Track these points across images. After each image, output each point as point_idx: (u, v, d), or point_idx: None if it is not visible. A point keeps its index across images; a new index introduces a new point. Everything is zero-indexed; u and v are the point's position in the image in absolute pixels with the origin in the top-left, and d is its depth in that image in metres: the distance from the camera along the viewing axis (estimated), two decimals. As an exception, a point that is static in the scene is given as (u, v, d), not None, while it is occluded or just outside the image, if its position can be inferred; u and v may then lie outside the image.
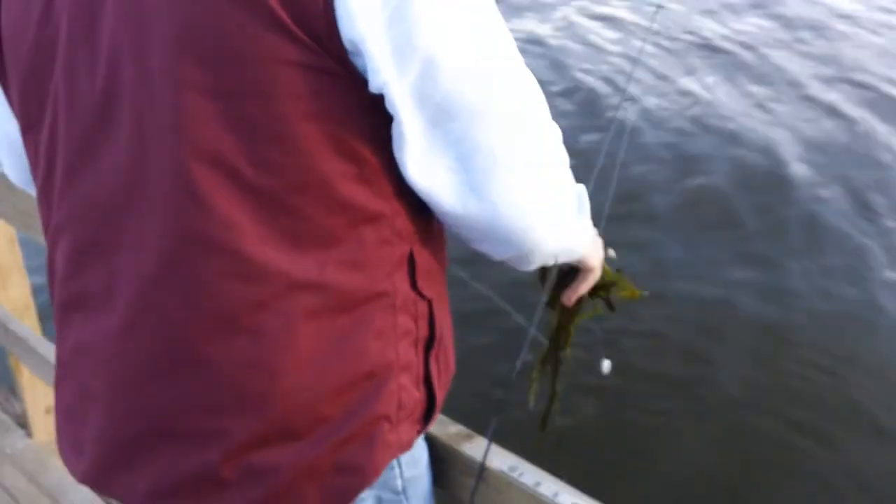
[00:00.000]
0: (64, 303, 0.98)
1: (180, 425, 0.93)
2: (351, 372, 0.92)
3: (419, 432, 1.02)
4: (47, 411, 2.52)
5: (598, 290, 1.23)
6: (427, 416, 1.02)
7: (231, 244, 0.85)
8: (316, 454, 0.93)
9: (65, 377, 1.02)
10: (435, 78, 0.81)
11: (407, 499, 1.05)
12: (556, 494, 1.05)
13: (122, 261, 0.91)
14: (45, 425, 2.52)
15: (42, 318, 2.49)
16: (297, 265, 0.87)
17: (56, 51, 0.88)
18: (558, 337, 1.25)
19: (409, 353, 0.97)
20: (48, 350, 2.10)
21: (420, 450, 1.09)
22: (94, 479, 1.01)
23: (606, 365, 1.30)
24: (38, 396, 2.50)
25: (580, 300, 1.23)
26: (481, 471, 1.09)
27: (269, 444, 0.92)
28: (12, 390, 2.60)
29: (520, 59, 0.88)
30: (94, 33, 0.85)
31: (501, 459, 1.10)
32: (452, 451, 1.13)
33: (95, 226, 0.92)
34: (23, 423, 2.54)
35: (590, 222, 1.08)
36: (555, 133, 0.93)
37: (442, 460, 1.14)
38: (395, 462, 1.01)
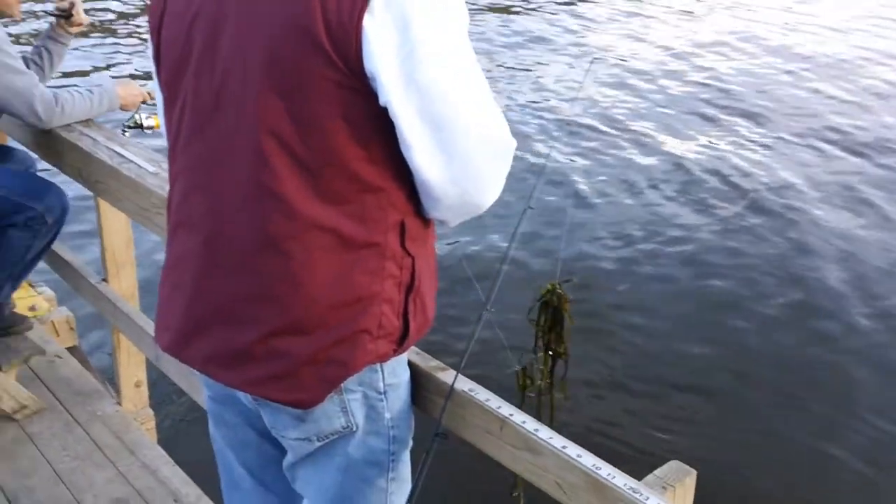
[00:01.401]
0: (174, 224, 1.45)
1: (231, 312, 1.36)
2: (347, 294, 1.33)
3: (395, 351, 1.40)
4: (136, 385, 3.01)
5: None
6: (401, 340, 1.40)
7: (280, 192, 1.29)
8: (316, 347, 1.33)
9: (166, 278, 1.48)
10: (429, 101, 1.23)
11: (386, 400, 1.45)
12: (499, 407, 1.43)
13: (211, 197, 1.36)
14: (132, 396, 3.00)
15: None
16: (319, 213, 1.29)
17: (190, 60, 1.36)
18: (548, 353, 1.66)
19: (392, 291, 1.36)
20: (147, 324, 2.59)
21: (402, 368, 1.48)
22: (172, 348, 1.45)
23: None
24: (130, 372, 3.00)
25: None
26: (451, 390, 1.47)
27: (287, 334, 1.33)
28: (110, 366, 3.11)
29: (486, 87, 1.30)
30: (215, 53, 1.32)
31: (463, 383, 1.48)
32: (429, 377, 1.52)
33: (200, 173, 1.38)
34: (114, 392, 3.04)
35: None
36: (509, 143, 1.34)
37: (421, 385, 1.53)
38: (378, 367, 1.41)
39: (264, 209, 1.30)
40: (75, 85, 2.70)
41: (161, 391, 3.22)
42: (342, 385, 1.38)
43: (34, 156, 2.97)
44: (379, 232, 1.33)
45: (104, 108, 2.72)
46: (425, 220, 1.41)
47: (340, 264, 1.31)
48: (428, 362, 1.55)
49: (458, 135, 1.26)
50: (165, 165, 2.31)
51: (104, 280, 2.82)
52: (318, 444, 1.45)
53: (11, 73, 2.51)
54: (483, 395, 1.47)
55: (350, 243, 1.31)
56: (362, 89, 1.23)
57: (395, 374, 1.46)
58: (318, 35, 1.19)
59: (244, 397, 1.48)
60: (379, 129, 1.26)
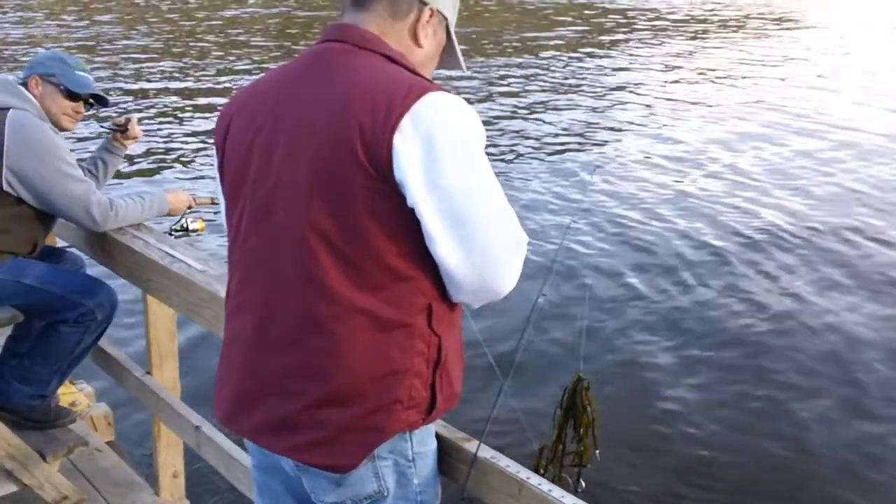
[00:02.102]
0: (230, 309, 1.65)
1: (278, 386, 1.54)
2: (383, 368, 1.51)
3: (423, 420, 1.57)
4: (174, 475, 3.14)
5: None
6: (429, 410, 1.56)
7: (324, 281, 1.48)
8: (356, 415, 1.51)
9: (222, 357, 1.66)
10: (451, 202, 1.44)
11: (415, 467, 1.60)
12: (518, 472, 1.59)
13: (264, 285, 1.56)
14: (169, 486, 3.13)
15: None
16: (358, 298, 1.48)
17: (250, 169, 1.58)
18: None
19: (420, 366, 1.54)
20: (189, 414, 2.76)
21: (430, 438, 1.64)
22: (226, 420, 1.62)
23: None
24: (169, 462, 3.14)
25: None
26: (474, 458, 1.63)
27: (329, 405, 1.51)
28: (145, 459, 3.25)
29: (499, 191, 1.50)
30: (269, 164, 1.55)
31: (485, 451, 1.64)
32: (456, 447, 1.67)
33: (255, 265, 1.58)
34: (152, 483, 3.17)
35: None
36: (521, 237, 1.53)
37: (447, 454, 1.68)
38: (408, 437, 1.57)
39: (310, 295, 1.49)
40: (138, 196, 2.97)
41: (196, 483, 3.36)
42: (375, 452, 1.54)
43: (84, 256, 3.21)
44: (410, 314, 1.51)
45: (154, 212, 2.97)
46: (451, 305, 1.59)
47: (377, 342, 1.50)
48: (454, 434, 1.70)
49: (477, 230, 1.46)
50: (213, 264, 2.54)
51: (148, 373, 3.01)
52: None
53: (70, 180, 2.78)
54: (504, 461, 1.62)
55: (385, 324, 1.50)
56: (392, 194, 1.44)
57: (424, 443, 1.62)
58: (356, 151, 1.42)
59: (287, 466, 1.64)
60: (408, 226, 1.46)
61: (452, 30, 1.70)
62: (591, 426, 1.82)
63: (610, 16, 23.02)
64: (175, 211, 3.07)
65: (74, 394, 3.61)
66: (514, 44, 18.38)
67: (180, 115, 11.89)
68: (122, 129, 3.18)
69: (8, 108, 2.78)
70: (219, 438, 2.60)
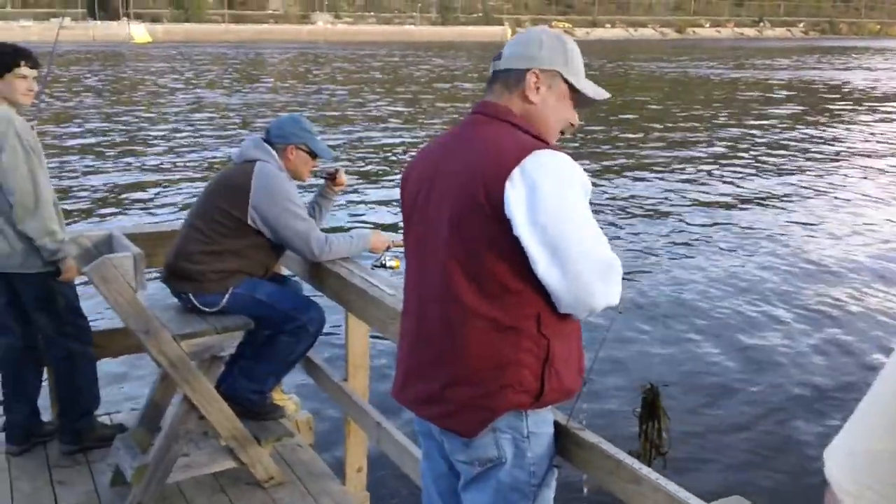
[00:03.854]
0: (402, 312, 2.20)
1: (425, 370, 2.06)
2: (496, 361, 1.95)
3: (531, 405, 1.98)
4: (358, 470, 3.72)
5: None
6: (538, 396, 1.97)
7: (455, 292, 1.97)
8: (474, 395, 1.97)
9: (398, 348, 2.21)
10: (547, 234, 1.88)
11: (530, 444, 2.02)
12: (617, 454, 1.99)
13: (419, 294, 2.10)
14: (353, 479, 3.71)
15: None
16: (481, 307, 1.95)
17: (416, 208, 2.13)
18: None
19: (530, 361, 1.95)
20: (375, 415, 3.33)
21: (544, 423, 2.06)
22: (395, 394, 2.16)
23: None
24: (355, 459, 3.73)
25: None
26: (575, 438, 2.05)
27: (455, 385, 1.99)
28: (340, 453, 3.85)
29: (591, 227, 1.90)
30: (427, 207, 2.08)
31: (588, 435, 2.06)
32: (568, 432, 2.10)
33: (415, 279, 2.13)
34: (340, 475, 3.76)
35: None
36: (612, 264, 1.92)
37: (563, 437, 2.11)
38: (524, 417, 2.00)
39: (447, 303, 2.00)
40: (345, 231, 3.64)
41: (375, 479, 3.93)
42: (495, 425, 1.99)
43: (300, 282, 3.92)
44: (520, 320, 1.95)
45: (359, 249, 3.63)
46: (561, 314, 1.99)
47: (493, 340, 1.96)
48: (569, 422, 2.13)
49: (568, 260, 1.88)
50: (400, 290, 3.11)
51: (345, 379, 3.62)
52: (478, 468, 2.05)
53: (299, 220, 3.49)
54: (605, 445, 2.03)
55: (500, 327, 1.95)
56: (503, 227, 1.91)
57: (538, 426, 2.05)
58: (480, 198, 1.92)
59: (435, 431, 2.13)
60: (515, 252, 1.91)
61: (569, 76, 2.07)
62: (663, 425, 2.21)
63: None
64: (376, 249, 3.72)
65: (285, 401, 4.32)
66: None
67: (380, 168, 14.61)
68: (331, 178, 3.90)
69: (256, 160, 3.55)
70: (395, 433, 3.14)
